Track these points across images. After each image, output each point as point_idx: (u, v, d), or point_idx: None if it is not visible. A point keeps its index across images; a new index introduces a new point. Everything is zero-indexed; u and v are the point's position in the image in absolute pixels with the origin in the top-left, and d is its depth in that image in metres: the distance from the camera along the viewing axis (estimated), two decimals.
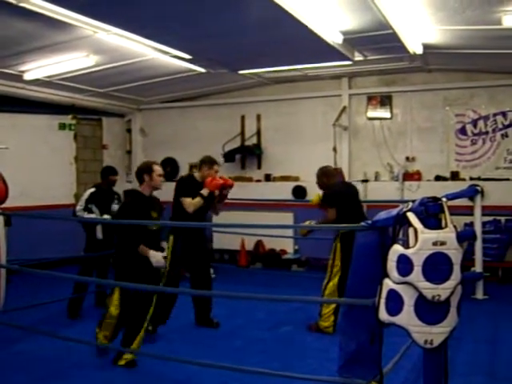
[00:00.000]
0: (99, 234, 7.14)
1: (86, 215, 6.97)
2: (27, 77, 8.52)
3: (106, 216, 7.08)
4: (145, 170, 5.45)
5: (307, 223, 6.29)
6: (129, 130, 12.52)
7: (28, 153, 10.08)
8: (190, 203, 6.14)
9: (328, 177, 6.34)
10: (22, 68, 8.27)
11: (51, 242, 9.15)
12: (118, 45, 7.20)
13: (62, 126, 10.88)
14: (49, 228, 8.97)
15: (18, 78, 8.58)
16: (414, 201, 3.22)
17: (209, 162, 6.49)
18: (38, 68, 8.24)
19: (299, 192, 10.51)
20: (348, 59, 8.17)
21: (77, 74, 8.63)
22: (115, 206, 7.29)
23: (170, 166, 12.07)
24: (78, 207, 7.08)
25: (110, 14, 6.02)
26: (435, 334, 3.04)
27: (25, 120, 10.16)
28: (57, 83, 9.24)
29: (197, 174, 6.53)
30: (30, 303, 6.82)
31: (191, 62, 8.40)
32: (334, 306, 6.03)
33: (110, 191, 7.38)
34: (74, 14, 5.89)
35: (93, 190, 7.20)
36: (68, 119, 10.95)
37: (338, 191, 6.26)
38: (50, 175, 10.49)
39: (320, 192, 6.48)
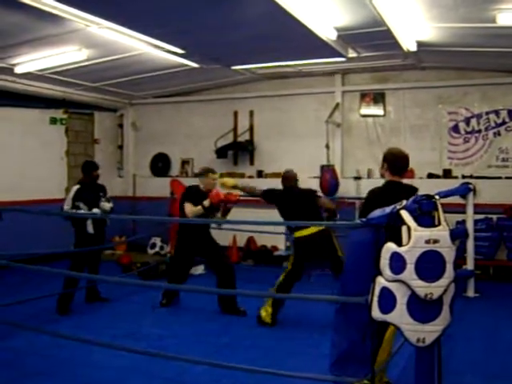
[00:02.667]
0: (90, 229, 7.06)
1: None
2: (18, 70, 8.45)
3: (95, 210, 7.01)
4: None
5: None
6: (121, 125, 12.46)
7: (19, 147, 10.01)
8: (190, 209, 6.78)
9: (284, 180, 6.78)
10: (14, 61, 8.18)
11: (42, 236, 9.09)
12: (110, 39, 7.14)
13: (54, 121, 10.80)
14: (39, 223, 8.89)
15: (9, 71, 8.50)
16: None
17: (204, 171, 7.19)
18: (29, 61, 8.16)
19: None
20: (341, 56, 8.15)
21: (68, 67, 8.56)
22: (106, 204, 7.21)
23: (162, 161, 12.04)
24: (66, 206, 6.98)
25: (102, 7, 5.97)
26: (428, 332, 3.03)
27: (16, 114, 10.07)
28: (48, 77, 9.16)
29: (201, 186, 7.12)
30: (19, 299, 6.76)
31: (184, 57, 8.35)
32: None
33: (95, 186, 7.31)
34: (65, 7, 5.82)
35: (78, 186, 7.10)
36: (59, 113, 10.87)
37: (276, 192, 6.76)
38: (41, 169, 10.41)
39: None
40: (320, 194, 6.85)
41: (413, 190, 4.49)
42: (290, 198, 6.58)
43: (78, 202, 6.95)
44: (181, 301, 7.40)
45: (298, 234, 6.35)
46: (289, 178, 6.77)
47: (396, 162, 4.57)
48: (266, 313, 6.32)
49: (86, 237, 7.06)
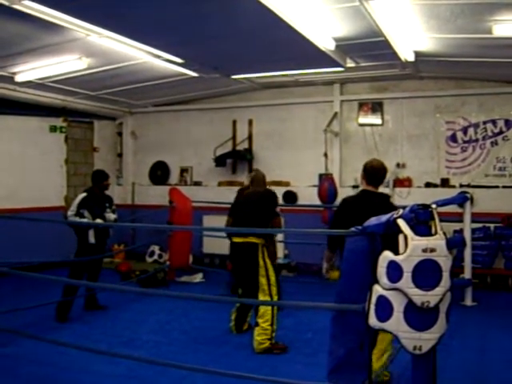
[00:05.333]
0: (91, 239, 7.10)
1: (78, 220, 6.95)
2: (19, 79, 8.49)
3: (98, 220, 7.05)
4: None
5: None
6: (120, 133, 12.49)
7: (18, 155, 10.05)
8: None
9: (251, 183, 6.53)
10: (14, 70, 8.23)
11: (41, 244, 9.11)
12: (110, 48, 7.18)
13: (53, 129, 10.84)
14: (38, 231, 8.91)
15: (10, 79, 8.54)
16: (404, 207, 3.24)
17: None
18: (30, 70, 8.20)
19: (290, 197, 10.52)
20: (340, 65, 8.20)
21: (69, 76, 8.60)
22: (111, 215, 7.29)
23: (161, 169, 12.07)
24: (70, 212, 7.04)
25: (102, 16, 6.01)
26: (424, 340, 3.05)
27: (15, 122, 10.11)
28: (49, 85, 9.21)
29: None
30: (18, 306, 6.77)
31: (183, 66, 8.40)
32: None
33: (102, 196, 7.36)
34: (66, 17, 5.86)
35: (84, 194, 7.16)
36: (59, 122, 10.92)
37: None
38: (40, 177, 10.44)
39: None
40: (278, 211, 6.24)
41: (385, 197, 4.71)
42: (240, 201, 6.38)
43: (82, 210, 6.98)
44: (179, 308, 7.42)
45: (234, 239, 6.12)
46: (254, 180, 6.45)
47: (374, 173, 4.77)
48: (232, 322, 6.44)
49: (87, 246, 7.11)
